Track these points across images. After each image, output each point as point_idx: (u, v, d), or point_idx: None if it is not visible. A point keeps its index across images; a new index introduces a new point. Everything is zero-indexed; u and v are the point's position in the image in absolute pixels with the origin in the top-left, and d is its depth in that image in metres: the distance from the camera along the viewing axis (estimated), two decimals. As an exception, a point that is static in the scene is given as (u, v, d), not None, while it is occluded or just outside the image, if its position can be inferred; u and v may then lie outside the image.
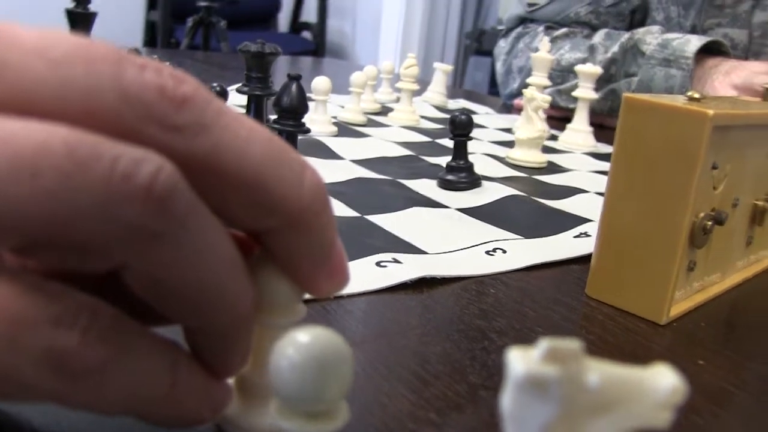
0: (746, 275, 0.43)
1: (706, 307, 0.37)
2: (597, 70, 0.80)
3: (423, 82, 0.93)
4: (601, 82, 0.84)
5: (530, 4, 1.07)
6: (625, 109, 0.34)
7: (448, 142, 0.70)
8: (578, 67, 0.81)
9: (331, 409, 0.17)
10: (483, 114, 0.96)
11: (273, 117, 0.49)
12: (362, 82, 0.79)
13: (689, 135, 0.32)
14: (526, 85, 0.74)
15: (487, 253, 0.41)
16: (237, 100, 0.73)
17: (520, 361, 0.13)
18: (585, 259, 0.40)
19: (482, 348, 0.30)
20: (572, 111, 0.83)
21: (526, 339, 0.31)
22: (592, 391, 0.13)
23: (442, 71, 1.00)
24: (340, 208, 0.46)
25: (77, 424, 0.21)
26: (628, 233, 0.35)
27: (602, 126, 0.88)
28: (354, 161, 0.60)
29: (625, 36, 0.92)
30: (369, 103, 0.85)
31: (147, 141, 0.16)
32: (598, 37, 0.95)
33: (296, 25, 3.35)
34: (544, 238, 0.45)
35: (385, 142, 0.69)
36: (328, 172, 0.54)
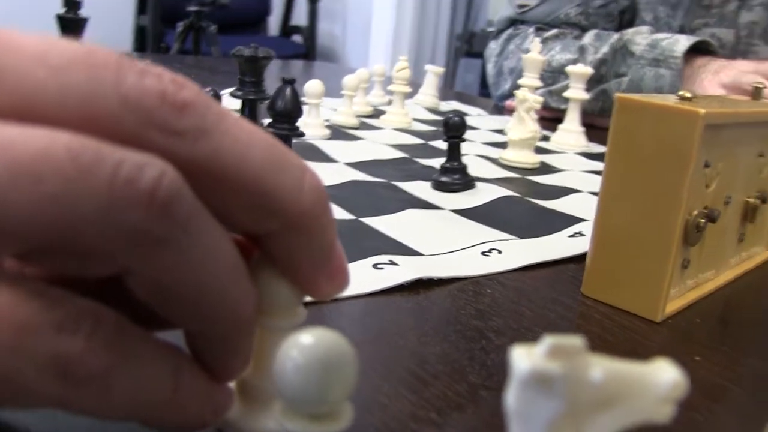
0: (739, 272, 0.43)
1: (700, 304, 0.38)
2: (588, 70, 0.80)
3: (414, 85, 0.93)
4: (591, 83, 0.85)
5: (520, 6, 1.08)
6: (618, 109, 0.35)
7: (441, 144, 0.70)
8: (569, 68, 0.81)
9: (335, 410, 0.17)
10: (475, 116, 0.97)
11: (267, 121, 0.50)
12: (354, 85, 0.79)
13: (681, 134, 0.32)
14: (517, 87, 0.74)
15: (483, 253, 0.41)
16: (231, 104, 0.73)
17: (525, 358, 0.13)
18: (580, 259, 0.41)
19: (481, 348, 0.30)
20: (563, 112, 0.83)
21: (524, 338, 0.31)
22: (595, 386, 0.13)
23: (433, 73, 1.00)
24: (336, 211, 0.46)
25: (76, 430, 0.21)
26: (623, 232, 0.35)
27: (593, 126, 0.88)
28: (348, 164, 0.60)
29: (615, 36, 0.92)
30: (361, 106, 0.86)
31: (148, 146, 0.16)
32: (588, 37, 0.96)
33: (287, 29, 3.35)
34: (538, 238, 0.45)
35: (379, 145, 0.69)
36: (323, 175, 0.53)
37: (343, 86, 0.78)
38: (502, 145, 0.71)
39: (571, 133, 0.81)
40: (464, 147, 0.57)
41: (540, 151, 0.73)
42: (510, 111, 1.00)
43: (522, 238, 0.45)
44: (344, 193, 0.50)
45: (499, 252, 0.42)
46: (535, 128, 0.68)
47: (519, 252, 0.42)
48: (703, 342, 0.33)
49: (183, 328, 0.19)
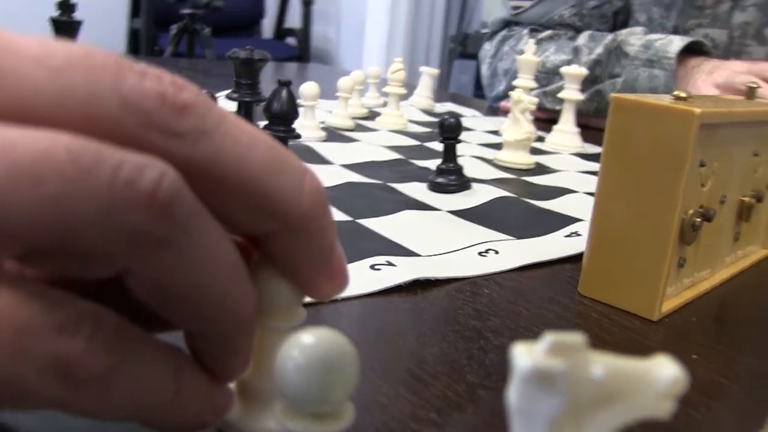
0: (734, 271, 0.43)
1: (696, 302, 0.38)
2: (582, 71, 0.81)
3: (409, 87, 0.93)
4: (586, 83, 0.85)
5: (515, 7, 1.08)
6: (614, 109, 0.35)
7: (437, 146, 0.70)
8: (564, 69, 0.81)
9: (337, 410, 0.17)
10: (470, 117, 0.97)
11: (263, 123, 0.50)
12: (349, 87, 0.79)
13: (677, 133, 0.33)
14: (512, 88, 0.75)
15: (480, 254, 0.41)
16: (226, 106, 0.73)
17: (526, 355, 0.13)
18: (576, 258, 0.41)
19: (479, 348, 0.30)
20: (558, 112, 0.84)
21: (522, 338, 0.31)
22: (596, 383, 0.13)
23: (428, 75, 1.01)
24: (332, 213, 0.46)
25: (76, 431, 0.21)
26: (620, 231, 0.35)
27: (588, 127, 0.88)
28: (344, 166, 0.60)
29: (609, 37, 0.93)
30: (356, 107, 0.86)
31: (148, 148, 0.16)
32: (583, 38, 0.96)
33: (280, 32, 3.35)
34: (535, 239, 0.45)
35: (374, 147, 0.69)
36: (319, 177, 0.54)
37: (338, 88, 0.78)
38: (497, 146, 0.71)
39: (566, 133, 0.81)
40: (459, 148, 0.57)
41: (535, 151, 0.73)
42: (505, 112, 1.00)
43: (518, 238, 0.45)
44: (340, 194, 0.50)
45: (496, 252, 0.42)
46: (530, 129, 0.68)
47: (516, 252, 0.42)
48: (699, 340, 0.33)
49: (183, 328, 0.19)
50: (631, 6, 1.06)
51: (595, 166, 0.70)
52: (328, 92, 0.85)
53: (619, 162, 0.35)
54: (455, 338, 0.31)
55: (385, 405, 0.25)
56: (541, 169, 0.68)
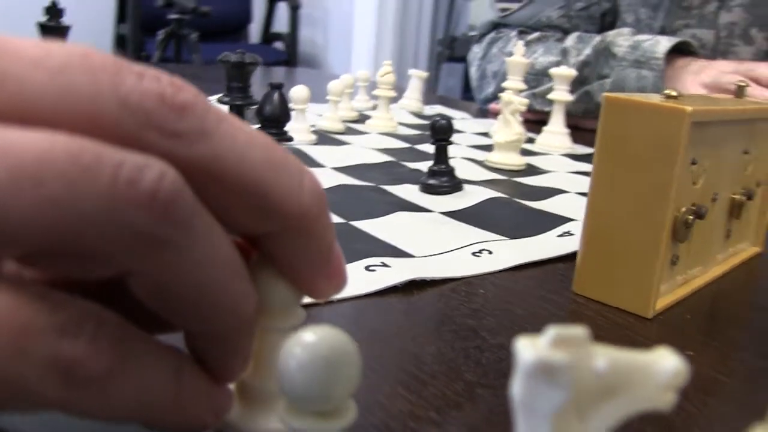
0: (725, 268, 0.44)
1: (689, 300, 0.38)
2: (571, 72, 0.81)
3: (397, 90, 0.93)
4: (574, 85, 0.85)
5: (502, 9, 1.09)
6: (606, 108, 0.35)
7: (427, 148, 0.70)
8: (553, 70, 0.82)
9: (339, 408, 0.17)
10: (459, 119, 0.97)
11: (255, 126, 0.50)
12: (339, 90, 0.79)
13: (669, 131, 0.33)
14: (501, 90, 0.75)
15: (474, 254, 0.42)
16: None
17: (530, 348, 0.13)
18: (569, 258, 0.41)
19: (476, 347, 0.30)
20: (548, 114, 0.84)
21: (518, 336, 0.32)
22: (599, 376, 0.13)
23: (417, 77, 1.01)
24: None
25: (76, 434, 0.21)
26: (613, 229, 0.35)
27: (578, 128, 0.89)
28: (335, 168, 0.60)
29: (597, 39, 0.93)
30: (346, 111, 0.86)
31: (147, 148, 0.16)
32: (571, 40, 0.97)
33: (268, 36, 3.35)
34: (528, 238, 0.45)
35: (365, 149, 0.69)
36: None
37: (328, 91, 0.78)
38: (488, 148, 0.72)
39: (555, 134, 0.81)
40: (450, 150, 0.57)
41: (525, 153, 0.73)
42: (494, 114, 1.01)
43: (512, 238, 0.45)
44: (333, 197, 0.50)
45: (490, 252, 0.42)
46: (520, 130, 0.68)
47: (509, 252, 0.42)
48: (694, 337, 0.34)
49: (184, 328, 0.19)
50: (619, 7, 1.06)
51: (585, 167, 0.71)
52: (317, 96, 0.85)
53: (612, 161, 0.35)
54: (452, 338, 0.31)
55: (384, 405, 0.25)
56: (531, 170, 0.68)
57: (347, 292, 0.34)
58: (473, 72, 1.13)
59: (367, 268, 0.37)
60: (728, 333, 0.35)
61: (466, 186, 0.57)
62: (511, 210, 0.52)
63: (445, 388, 0.26)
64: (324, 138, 0.73)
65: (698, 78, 0.84)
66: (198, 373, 0.19)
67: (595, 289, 0.37)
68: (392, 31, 3.08)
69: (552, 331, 0.13)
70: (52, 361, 0.16)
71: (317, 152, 0.65)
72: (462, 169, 0.61)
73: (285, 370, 0.16)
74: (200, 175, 0.17)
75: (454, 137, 0.58)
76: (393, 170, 0.62)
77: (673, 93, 0.35)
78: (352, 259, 0.38)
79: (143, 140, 0.17)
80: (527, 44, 0.98)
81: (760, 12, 0.93)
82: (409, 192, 0.54)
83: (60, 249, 0.16)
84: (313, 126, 0.75)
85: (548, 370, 0.13)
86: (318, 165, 0.61)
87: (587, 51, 0.92)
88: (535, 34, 1.03)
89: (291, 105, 0.66)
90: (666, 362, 0.14)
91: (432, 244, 0.43)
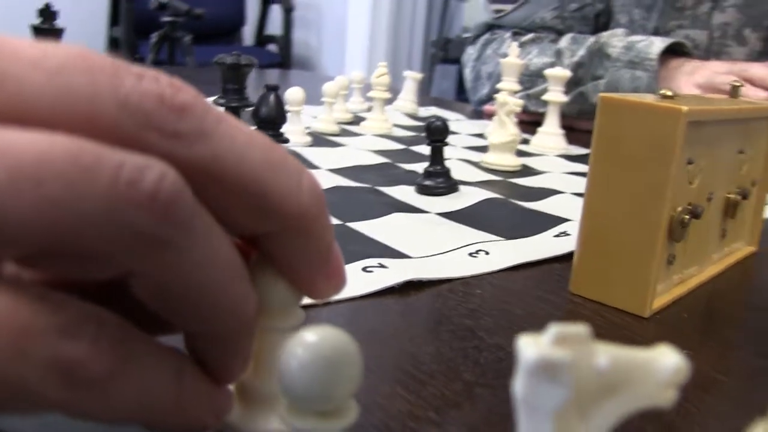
0: (721, 267, 0.44)
1: (685, 299, 0.38)
2: (566, 73, 0.81)
3: (392, 91, 0.94)
4: (569, 85, 0.85)
5: (497, 11, 1.09)
6: (602, 108, 0.35)
7: (422, 149, 0.71)
8: (548, 71, 0.82)
9: (341, 407, 0.17)
10: (454, 120, 0.97)
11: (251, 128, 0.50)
12: (334, 92, 0.79)
13: (665, 131, 0.33)
14: (496, 91, 0.75)
15: (471, 255, 0.42)
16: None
17: (532, 346, 0.13)
18: (566, 258, 0.41)
19: (474, 347, 0.30)
20: (542, 115, 0.84)
21: (516, 336, 0.32)
22: (601, 373, 0.13)
23: (412, 79, 1.01)
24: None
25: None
26: (609, 229, 0.35)
27: (572, 128, 0.89)
28: (331, 170, 0.60)
29: (591, 39, 0.93)
30: (341, 112, 0.86)
31: (147, 149, 0.16)
32: (565, 41, 0.97)
33: (261, 38, 3.35)
34: (524, 239, 0.45)
35: (360, 151, 0.69)
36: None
37: (323, 93, 0.78)
38: (483, 149, 0.72)
39: (550, 135, 0.81)
40: (446, 151, 0.57)
41: (520, 154, 0.73)
42: (489, 115, 1.01)
43: (508, 239, 0.45)
44: (330, 198, 0.50)
45: (487, 253, 0.42)
46: (515, 131, 0.68)
47: (506, 252, 0.42)
48: (691, 336, 0.34)
49: (184, 329, 0.19)
50: (612, 8, 1.07)
51: (580, 167, 0.71)
52: (312, 98, 0.85)
53: (608, 161, 0.35)
54: (450, 338, 0.31)
55: (383, 405, 0.25)
56: (527, 171, 0.68)
57: (345, 293, 0.33)
58: (468, 73, 1.13)
59: (364, 269, 0.37)
60: (725, 332, 0.35)
61: (461, 187, 0.57)
62: (507, 211, 0.52)
63: (444, 388, 0.26)
64: (319, 140, 0.73)
65: (692, 78, 0.85)
66: (199, 375, 0.19)
67: (592, 289, 0.37)
68: (386, 32, 3.09)
69: (553, 329, 0.13)
70: (53, 362, 0.16)
71: (312, 154, 0.65)
72: (458, 171, 0.62)
73: (286, 370, 0.16)
74: (200, 175, 0.17)
75: (450, 138, 0.58)
76: (388, 171, 0.62)
77: (669, 93, 0.35)
78: (349, 260, 0.38)
79: (143, 141, 0.17)
80: (521, 45, 0.99)
81: (754, 12, 0.93)
82: (405, 193, 0.54)
83: (60, 249, 0.16)
84: (308, 128, 0.75)
85: (550, 367, 0.13)
86: (313, 167, 0.61)
87: (581, 52, 0.93)
88: (530, 36, 1.03)
89: (286, 107, 0.66)
90: (666, 359, 0.14)
91: (429, 245, 0.43)
